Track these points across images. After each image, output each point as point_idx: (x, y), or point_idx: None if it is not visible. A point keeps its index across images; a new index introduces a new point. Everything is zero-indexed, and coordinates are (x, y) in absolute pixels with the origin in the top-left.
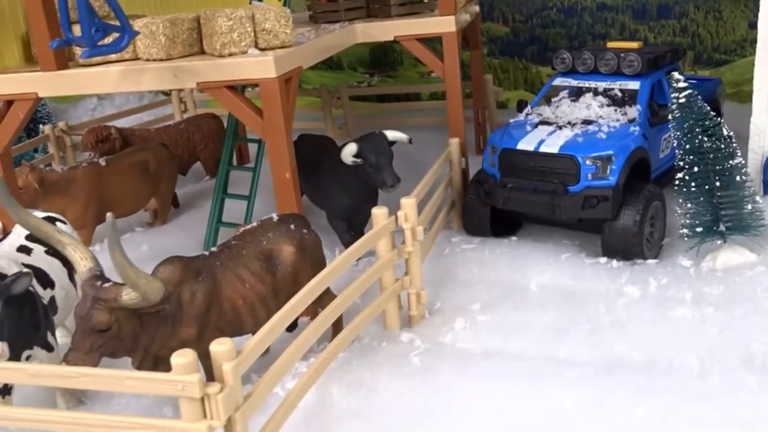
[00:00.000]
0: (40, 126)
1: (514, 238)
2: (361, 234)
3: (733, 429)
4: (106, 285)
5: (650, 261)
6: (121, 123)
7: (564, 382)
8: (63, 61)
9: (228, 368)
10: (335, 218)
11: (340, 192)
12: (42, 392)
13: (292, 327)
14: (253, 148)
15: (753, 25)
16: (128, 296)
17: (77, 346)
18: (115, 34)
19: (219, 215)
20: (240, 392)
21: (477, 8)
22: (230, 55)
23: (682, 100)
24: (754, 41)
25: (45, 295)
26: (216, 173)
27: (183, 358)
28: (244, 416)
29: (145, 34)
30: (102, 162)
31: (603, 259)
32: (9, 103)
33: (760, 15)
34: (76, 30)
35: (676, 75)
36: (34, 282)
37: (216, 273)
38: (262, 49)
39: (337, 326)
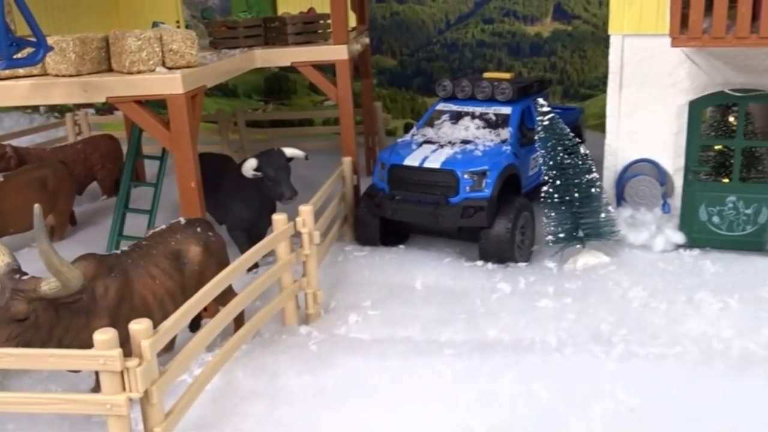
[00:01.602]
0: None
1: (401, 246)
2: None
3: (584, 386)
4: (25, 277)
5: (521, 264)
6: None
7: (443, 358)
8: None
9: (146, 344)
10: (235, 230)
11: (240, 205)
12: None
13: (196, 327)
14: (149, 167)
15: None
16: (48, 286)
17: None
18: (30, 49)
19: (120, 229)
20: (156, 368)
21: (367, 40)
22: (139, 72)
23: (546, 123)
24: None
25: None
26: (112, 193)
27: (104, 335)
28: (160, 389)
29: (56, 51)
30: (0, 178)
31: (480, 263)
32: None
33: (611, 50)
34: None
35: (540, 101)
36: None
37: (128, 269)
38: (169, 68)
39: (239, 322)
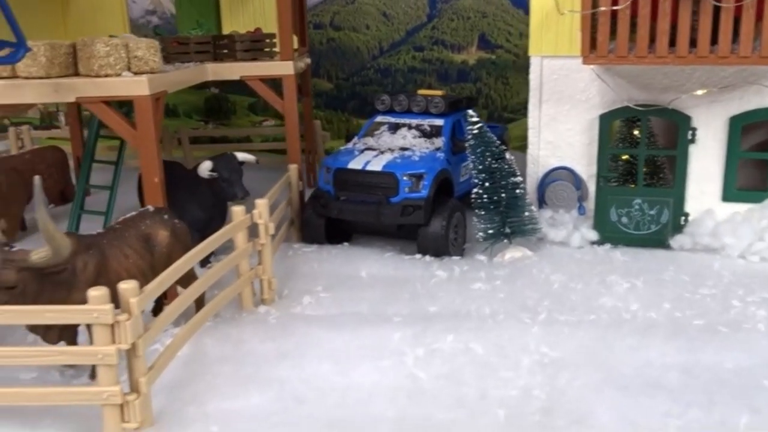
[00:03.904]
0: None
1: (346, 244)
2: None
3: (514, 344)
4: (15, 249)
5: (455, 257)
6: None
7: (391, 325)
8: None
9: (134, 301)
10: (190, 229)
11: (194, 206)
12: None
13: (158, 311)
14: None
15: None
16: (37, 256)
17: None
18: (9, 49)
19: (76, 230)
20: (142, 324)
21: (309, 60)
22: (106, 75)
23: (475, 131)
24: None
25: None
26: (59, 202)
27: (97, 291)
28: (145, 343)
29: (27, 55)
30: None
31: (418, 256)
32: None
33: (531, 70)
34: None
35: (470, 112)
36: None
37: (104, 248)
38: (134, 73)
39: (199, 305)
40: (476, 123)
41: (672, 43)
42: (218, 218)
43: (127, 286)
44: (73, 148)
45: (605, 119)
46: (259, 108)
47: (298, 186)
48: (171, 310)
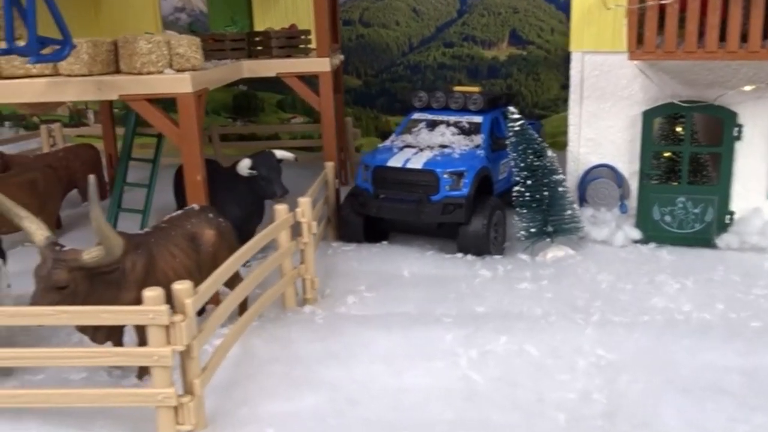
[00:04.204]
0: None
1: (385, 242)
2: None
3: (568, 346)
4: (66, 248)
5: (496, 256)
6: None
7: (441, 325)
8: None
9: (189, 302)
10: None
11: (233, 205)
12: None
13: (201, 312)
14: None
15: (565, 87)
16: (89, 255)
17: (37, 302)
18: (55, 46)
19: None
20: (196, 324)
21: (342, 57)
22: (149, 73)
23: (517, 129)
24: (566, 100)
25: None
26: None
27: (153, 291)
28: (199, 344)
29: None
30: None
31: (459, 255)
32: None
33: (572, 66)
34: None
35: (511, 109)
36: None
37: (152, 248)
38: (176, 70)
39: (243, 307)
40: (517, 120)
41: (722, 38)
42: (256, 217)
43: (182, 287)
44: (105, 145)
45: (649, 116)
46: (288, 105)
47: (334, 183)
48: (221, 310)
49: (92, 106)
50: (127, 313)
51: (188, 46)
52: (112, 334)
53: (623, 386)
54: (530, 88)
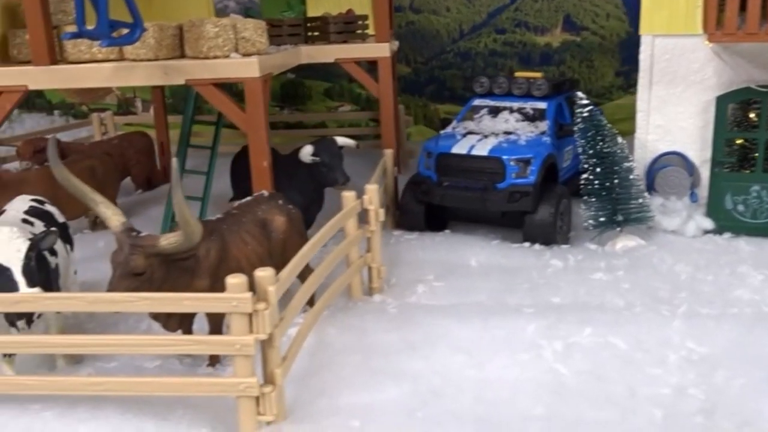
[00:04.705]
0: None
1: (447, 231)
2: None
3: (656, 339)
4: (142, 234)
5: (564, 246)
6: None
7: (521, 316)
8: (54, 56)
9: (272, 289)
10: None
11: (294, 192)
12: (39, 356)
13: None
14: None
15: (619, 74)
16: (167, 241)
17: (114, 288)
18: (124, 30)
19: (173, 216)
20: (278, 312)
21: (397, 43)
22: (215, 57)
23: (585, 114)
24: (620, 87)
25: (51, 261)
26: (146, 188)
27: (237, 278)
28: (281, 332)
29: None
30: None
31: (526, 244)
32: None
33: (641, 50)
34: None
35: (580, 94)
36: None
37: (224, 234)
38: (242, 55)
39: (310, 301)
40: (586, 105)
41: None
42: (316, 204)
43: (264, 274)
44: (157, 133)
45: (723, 101)
46: (336, 93)
47: (393, 171)
48: (298, 299)
49: (140, 94)
50: (209, 301)
51: (254, 30)
52: (184, 322)
53: (721, 381)
54: (584, 75)
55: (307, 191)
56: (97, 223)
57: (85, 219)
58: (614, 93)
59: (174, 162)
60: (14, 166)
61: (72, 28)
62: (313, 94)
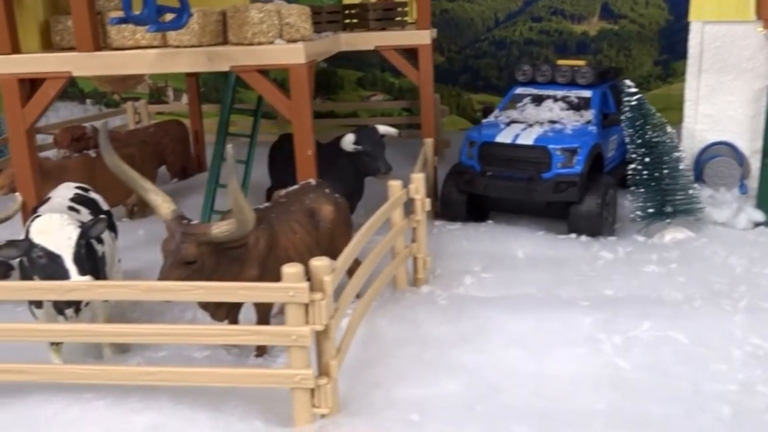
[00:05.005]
0: None
1: (490, 221)
2: None
3: (719, 333)
4: (194, 222)
5: (611, 238)
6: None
7: (578, 308)
8: (98, 43)
9: (329, 279)
10: None
11: (335, 181)
12: (85, 345)
13: None
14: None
15: (657, 63)
16: (219, 229)
17: (165, 277)
18: (170, 15)
19: (212, 204)
20: (332, 304)
21: (435, 30)
22: (259, 43)
23: (634, 103)
24: (659, 76)
25: (98, 249)
26: (181, 177)
27: (293, 267)
28: (336, 323)
29: None
30: (93, 154)
31: (573, 235)
32: (32, 83)
33: (690, 37)
34: None
35: (628, 82)
36: None
37: (273, 223)
38: (287, 41)
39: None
40: (635, 93)
41: None
42: (357, 193)
43: (321, 263)
44: (192, 122)
45: None
46: (368, 83)
47: (433, 160)
48: (351, 289)
49: (172, 83)
50: (264, 290)
51: (298, 16)
52: (231, 312)
53: None
54: (621, 65)
55: (349, 180)
56: (134, 212)
57: (123, 207)
58: (652, 83)
59: (230, 149)
60: (51, 154)
61: (118, 14)
62: (345, 84)
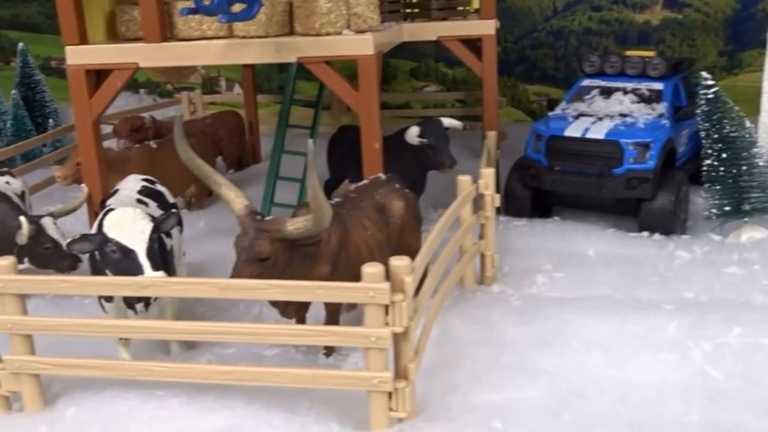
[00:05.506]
0: (50, 121)
1: (557, 218)
2: None
3: None
4: (267, 218)
5: (684, 236)
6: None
7: (661, 311)
8: (165, 33)
9: (409, 279)
10: None
11: (398, 174)
12: (153, 340)
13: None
14: (266, 147)
15: (723, 54)
16: (294, 226)
17: (238, 274)
18: (242, 5)
19: (272, 196)
20: (412, 305)
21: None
22: (327, 34)
23: (710, 96)
24: (724, 68)
25: (167, 243)
26: (237, 168)
27: (373, 267)
28: (415, 325)
29: None
30: (153, 145)
31: (645, 233)
32: (98, 74)
33: None
34: None
35: (704, 74)
36: None
37: (344, 219)
38: (354, 31)
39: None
40: (711, 86)
41: None
42: (420, 187)
43: (401, 263)
44: (247, 113)
45: None
46: (421, 73)
47: (496, 154)
48: (426, 290)
49: (225, 73)
50: (343, 290)
51: (366, 6)
52: (300, 309)
53: None
54: (684, 55)
55: (412, 174)
56: (192, 203)
57: (181, 199)
58: (717, 74)
59: (310, 143)
60: (110, 144)
61: (188, 4)
62: (398, 74)
